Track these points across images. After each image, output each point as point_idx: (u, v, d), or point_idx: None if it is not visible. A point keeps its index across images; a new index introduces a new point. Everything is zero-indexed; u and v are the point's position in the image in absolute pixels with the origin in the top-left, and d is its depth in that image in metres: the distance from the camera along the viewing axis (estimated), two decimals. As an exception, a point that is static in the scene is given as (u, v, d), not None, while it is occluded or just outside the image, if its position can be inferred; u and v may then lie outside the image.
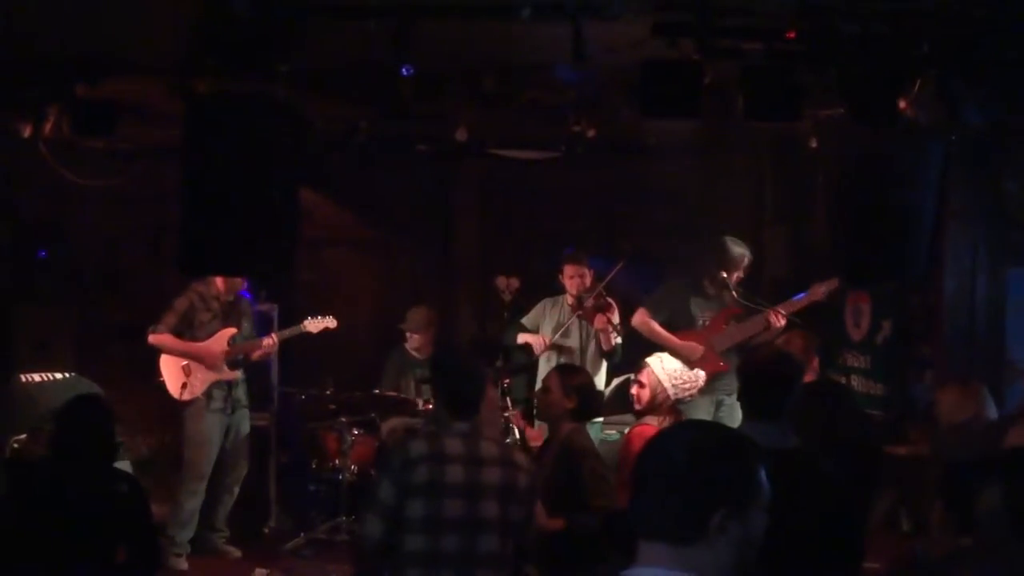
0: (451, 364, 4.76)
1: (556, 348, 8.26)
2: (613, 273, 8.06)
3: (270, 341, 8.07)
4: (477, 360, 4.97)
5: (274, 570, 7.62)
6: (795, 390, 4.11)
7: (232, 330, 7.96)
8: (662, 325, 7.94)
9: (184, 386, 7.83)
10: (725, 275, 7.84)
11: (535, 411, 6.22)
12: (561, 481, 5.45)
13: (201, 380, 7.85)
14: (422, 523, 4.28)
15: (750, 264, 8.00)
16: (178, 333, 7.85)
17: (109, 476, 5.00)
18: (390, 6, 5.76)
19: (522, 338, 8.43)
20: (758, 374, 4.13)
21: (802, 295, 7.84)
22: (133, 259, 9.82)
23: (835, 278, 7.72)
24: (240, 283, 8.03)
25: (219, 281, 7.91)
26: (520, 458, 4.65)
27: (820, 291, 7.78)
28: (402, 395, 8.78)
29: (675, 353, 6.98)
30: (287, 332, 8.26)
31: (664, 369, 6.13)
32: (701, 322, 7.96)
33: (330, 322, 8.29)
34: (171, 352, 7.86)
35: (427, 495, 4.30)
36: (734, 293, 7.84)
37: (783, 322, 7.67)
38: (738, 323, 7.88)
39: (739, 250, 7.93)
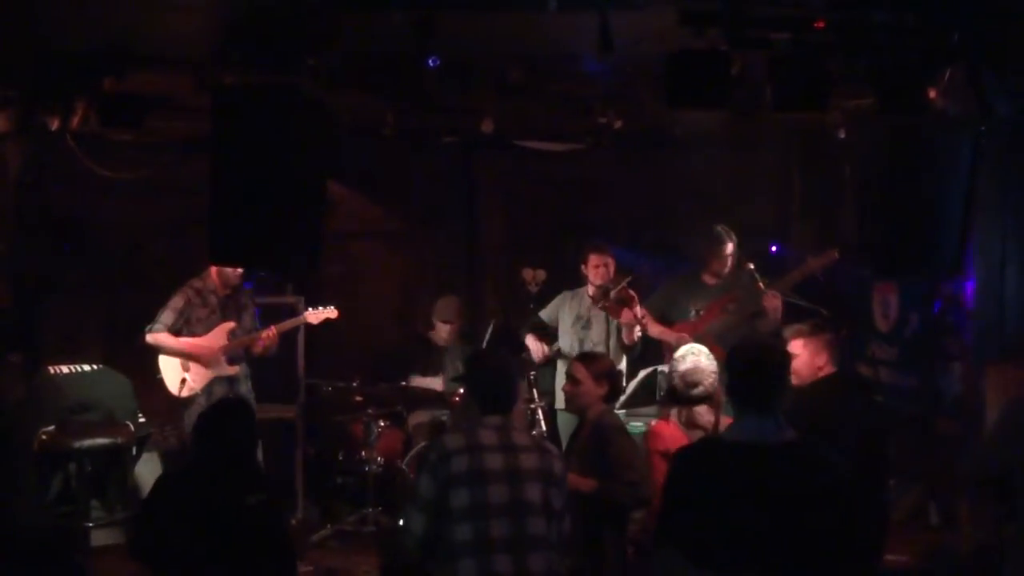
0: (486, 363, 4.81)
1: (578, 340, 8.26)
2: (631, 276, 8.04)
3: (269, 333, 7.94)
4: (512, 358, 5.03)
5: (301, 562, 7.64)
6: (785, 381, 4.02)
7: (231, 324, 7.88)
8: (657, 319, 8.03)
9: (183, 382, 7.77)
10: (752, 265, 7.86)
11: (566, 402, 6.22)
12: (592, 454, 5.71)
13: (201, 376, 7.79)
14: (469, 511, 4.31)
15: (733, 252, 8.00)
16: (176, 330, 7.78)
17: (244, 487, 4.98)
18: (416, -2, 5.75)
19: (529, 341, 8.41)
20: (745, 366, 4.02)
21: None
22: (160, 251, 9.84)
23: (832, 251, 7.72)
24: (237, 276, 7.90)
25: (215, 275, 7.85)
26: (551, 447, 4.72)
27: (814, 264, 7.75)
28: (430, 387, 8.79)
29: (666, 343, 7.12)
30: (288, 323, 8.17)
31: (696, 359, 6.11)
32: (694, 313, 8.02)
33: (331, 312, 8.22)
34: (169, 351, 7.80)
35: (470, 484, 4.33)
36: (759, 280, 7.81)
37: (778, 302, 7.67)
38: (736, 307, 7.91)
39: (718, 236, 7.97)
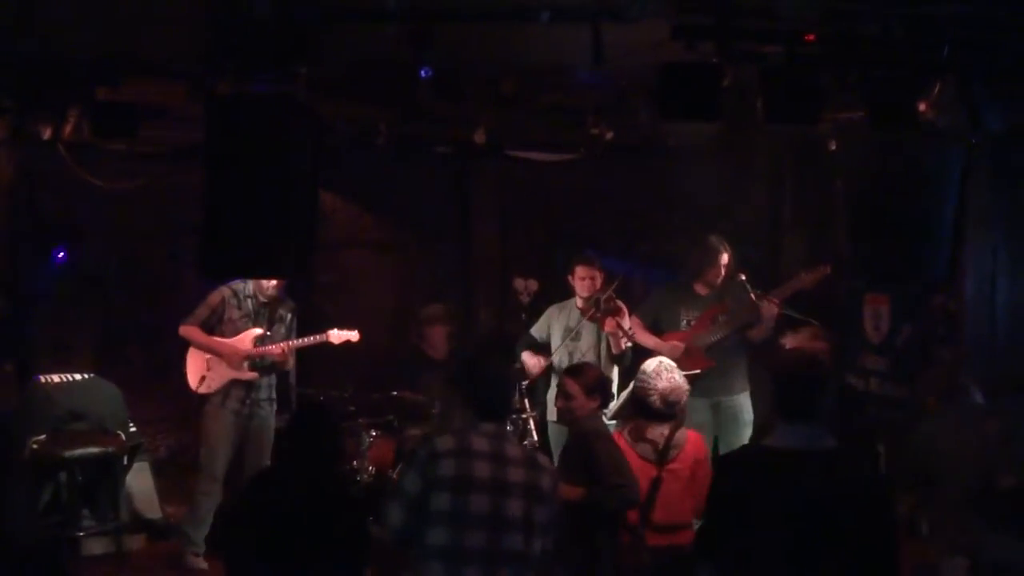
0: (483, 369, 4.78)
1: (568, 352, 8.25)
2: (618, 281, 8.05)
3: (279, 350, 7.88)
4: (509, 365, 5.03)
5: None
6: (826, 389, 4.15)
7: (258, 331, 7.84)
8: (649, 329, 8.06)
9: (202, 379, 7.79)
10: (743, 276, 7.88)
11: (558, 415, 6.24)
12: (577, 461, 5.71)
13: (220, 376, 7.78)
14: (447, 517, 4.30)
15: (727, 263, 8.03)
16: (210, 327, 7.81)
17: (326, 482, 5.08)
18: (409, 9, 5.76)
19: (524, 358, 8.39)
20: (788, 375, 4.16)
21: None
22: (152, 261, 9.84)
23: (825, 266, 7.78)
24: (272, 286, 7.85)
25: (253, 281, 7.82)
26: (544, 460, 4.69)
27: (807, 279, 7.82)
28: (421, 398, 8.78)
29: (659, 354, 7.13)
30: (309, 340, 8.12)
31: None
32: (686, 322, 8.05)
33: (353, 335, 8.19)
34: (195, 345, 7.83)
35: (454, 489, 4.32)
36: (751, 291, 7.82)
37: (776, 310, 7.72)
38: (727, 318, 7.94)
39: (713, 247, 8.00)
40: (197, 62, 6.55)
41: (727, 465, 4.33)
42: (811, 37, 5.89)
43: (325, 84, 6.82)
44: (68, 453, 7.78)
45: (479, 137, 8.34)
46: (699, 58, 5.92)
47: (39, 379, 8.23)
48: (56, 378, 8.27)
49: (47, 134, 7.44)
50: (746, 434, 7.85)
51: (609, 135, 8.05)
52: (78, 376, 8.38)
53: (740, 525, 4.00)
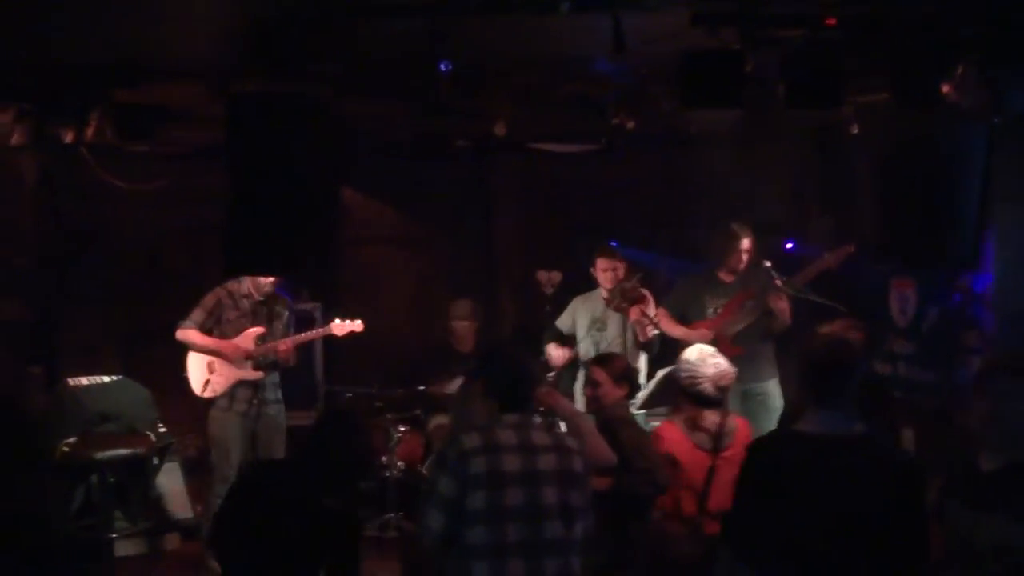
0: (503, 360, 4.75)
1: (594, 343, 8.25)
2: (637, 279, 8.04)
3: (283, 346, 7.86)
4: (529, 355, 5.01)
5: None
6: (856, 375, 4.16)
7: (259, 330, 7.83)
8: (677, 319, 8.07)
9: (207, 383, 7.77)
10: (768, 263, 7.86)
11: (587, 405, 6.25)
12: None
13: (224, 378, 7.77)
14: (485, 515, 4.28)
15: (749, 248, 8.05)
16: (207, 330, 7.79)
17: (326, 489, 4.96)
18: (428, 3, 5.75)
19: (549, 349, 8.39)
20: (819, 361, 4.18)
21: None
22: (177, 261, 9.87)
23: (849, 245, 7.77)
24: (269, 283, 7.84)
25: (249, 280, 7.83)
26: (572, 443, 4.65)
27: (830, 259, 7.82)
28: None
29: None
30: (313, 334, 8.16)
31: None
32: (712, 310, 8.06)
33: (356, 325, 8.19)
34: (195, 348, 7.81)
35: (487, 486, 4.29)
36: (775, 277, 7.80)
37: (784, 303, 7.83)
38: (753, 304, 7.94)
39: (734, 233, 8.09)
40: (217, 62, 6.56)
41: (757, 450, 4.31)
42: (832, 20, 5.86)
43: (345, 81, 6.81)
44: (99, 455, 7.82)
45: (499, 130, 8.31)
46: (720, 45, 5.90)
47: (67, 382, 8.28)
48: (84, 380, 8.31)
49: (69, 137, 7.45)
50: (776, 420, 7.83)
51: (631, 124, 8.02)
52: (106, 378, 8.42)
53: (770, 510, 4.01)
